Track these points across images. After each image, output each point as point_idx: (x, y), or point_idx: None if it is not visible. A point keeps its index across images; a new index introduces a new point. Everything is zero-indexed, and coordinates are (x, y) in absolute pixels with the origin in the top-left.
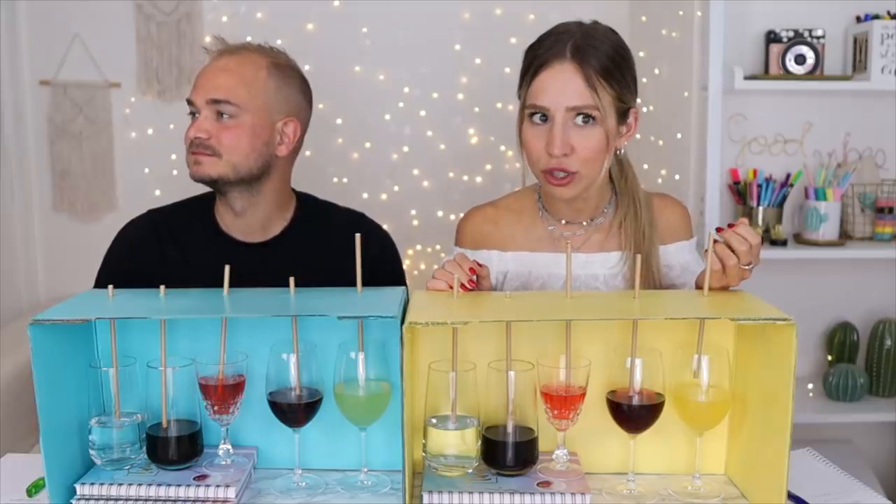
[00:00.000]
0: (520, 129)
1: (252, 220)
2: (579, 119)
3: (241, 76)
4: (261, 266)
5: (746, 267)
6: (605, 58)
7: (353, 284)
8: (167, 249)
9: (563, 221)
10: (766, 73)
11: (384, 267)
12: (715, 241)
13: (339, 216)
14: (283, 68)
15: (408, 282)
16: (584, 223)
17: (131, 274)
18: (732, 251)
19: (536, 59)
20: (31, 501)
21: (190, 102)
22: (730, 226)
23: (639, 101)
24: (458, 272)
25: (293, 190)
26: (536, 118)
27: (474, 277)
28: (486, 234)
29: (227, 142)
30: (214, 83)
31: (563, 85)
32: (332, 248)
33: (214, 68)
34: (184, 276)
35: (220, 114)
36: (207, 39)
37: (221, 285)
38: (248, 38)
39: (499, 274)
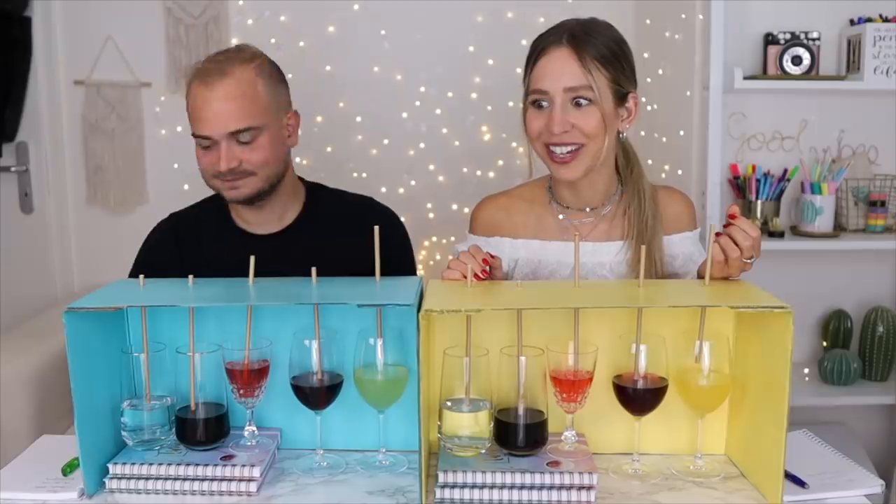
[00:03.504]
0: (525, 118)
1: (270, 213)
2: (576, 101)
3: (245, 97)
4: (275, 256)
5: (748, 260)
6: (600, 44)
7: (366, 267)
8: (185, 249)
9: (571, 210)
10: (764, 74)
11: (393, 251)
12: (718, 234)
13: (349, 202)
14: (264, 67)
15: (424, 272)
16: (590, 210)
17: (154, 276)
18: (736, 244)
19: (537, 48)
20: (66, 480)
21: (202, 137)
22: (730, 216)
23: (643, 99)
24: (472, 263)
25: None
26: (538, 104)
27: (487, 268)
28: (499, 222)
29: (257, 161)
30: (227, 115)
31: (560, 68)
32: (344, 233)
33: (217, 100)
34: (202, 273)
35: (239, 139)
36: (220, 44)
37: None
38: (273, 41)
39: (510, 260)
